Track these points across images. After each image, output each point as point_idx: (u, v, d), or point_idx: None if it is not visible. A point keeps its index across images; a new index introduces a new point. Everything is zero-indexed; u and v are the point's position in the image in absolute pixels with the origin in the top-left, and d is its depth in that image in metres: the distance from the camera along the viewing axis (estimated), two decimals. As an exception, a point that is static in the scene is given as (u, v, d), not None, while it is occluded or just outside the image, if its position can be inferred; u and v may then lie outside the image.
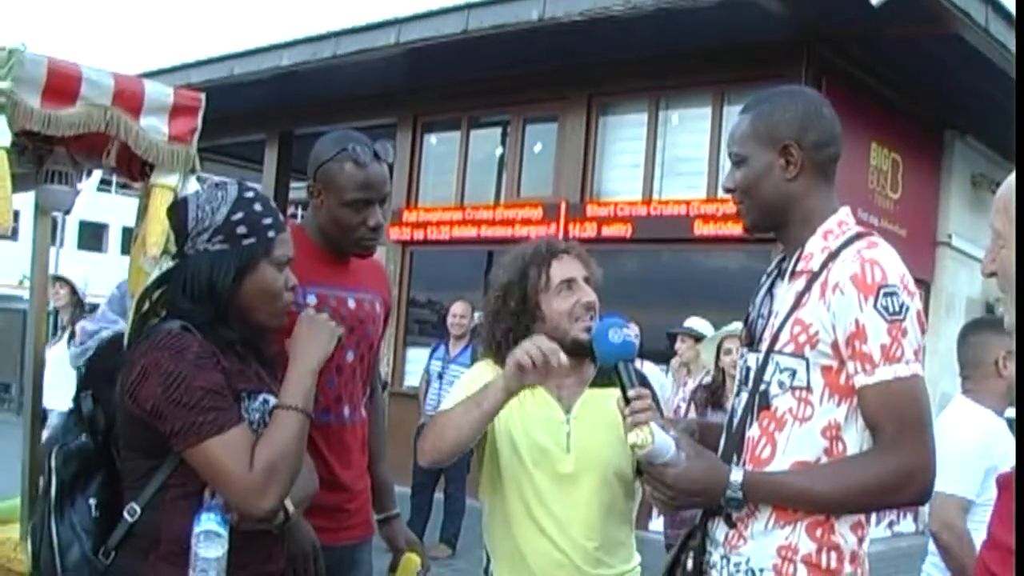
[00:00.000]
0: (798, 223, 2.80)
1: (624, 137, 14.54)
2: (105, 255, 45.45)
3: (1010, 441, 4.23)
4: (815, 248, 2.74)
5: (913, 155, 14.55)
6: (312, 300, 3.33)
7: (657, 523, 9.73)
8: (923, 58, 12.56)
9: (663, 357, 10.23)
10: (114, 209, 41.88)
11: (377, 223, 3.56)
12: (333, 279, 3.53)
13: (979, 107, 14.01)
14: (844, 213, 2.82)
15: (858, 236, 2.73)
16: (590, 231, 14.01)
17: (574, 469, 3.36)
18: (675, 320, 9.87)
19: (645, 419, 2.78)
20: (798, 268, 2.76)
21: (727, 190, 2.91)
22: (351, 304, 3.58)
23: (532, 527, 3.41)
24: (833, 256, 2.69)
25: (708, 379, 9.22)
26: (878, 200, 13.85)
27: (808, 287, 2.69)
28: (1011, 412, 4.72)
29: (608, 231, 13.95)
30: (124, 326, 5.22)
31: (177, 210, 2.94)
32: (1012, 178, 2.31)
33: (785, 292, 2.77)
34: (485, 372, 3.41)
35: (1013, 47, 11.92)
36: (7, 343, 22.26)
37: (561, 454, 3.34)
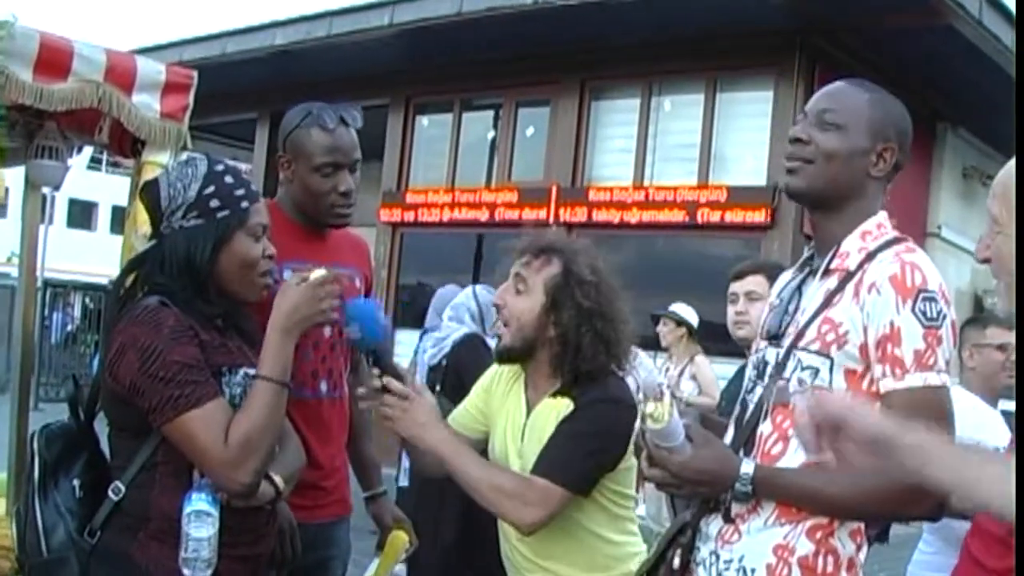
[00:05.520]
0: (843, 218, 2.71)
1: (616, 122, 14.51)
2: (95, 233, 45.34)
3: (990, 426, 4.24)
4: (851, 247, 2.66)
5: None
6: (288, 276, 3.31)
7: (642, 509, 9.74)
8: (916, 49, 12.55)
9: (653, 342, 10.22)
10: (104, 187, 41.75)
11: (348, 188, 3.53)
12: (309, 254, 3.44)
13: (972, 100, 14.02)
14: (883, 217, 2.73)
15: (897, 240, 2.66)
16: (581, 215, 13.99)
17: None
18: (664, 305, 9.87)
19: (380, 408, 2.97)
20: (832, 266, 2.68)
21: (797, 139, 2.72)
22: None
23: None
24: (870, 257, 2.61)
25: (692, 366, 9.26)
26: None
27: (841, 286, 2.61)
28: (1005, 404, 4.73)
29: (599, 216, 13.93)
30: (468, 329, 5.86)
31: (150, 190, 2.92)
32: (1012, 164, 2.28)
33: (815, 290, 2.69)
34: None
35: (1007, 40, 11.92)
36: (-3, 319, 22.23)
37: (515, 459, 3.28)
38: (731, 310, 4.56)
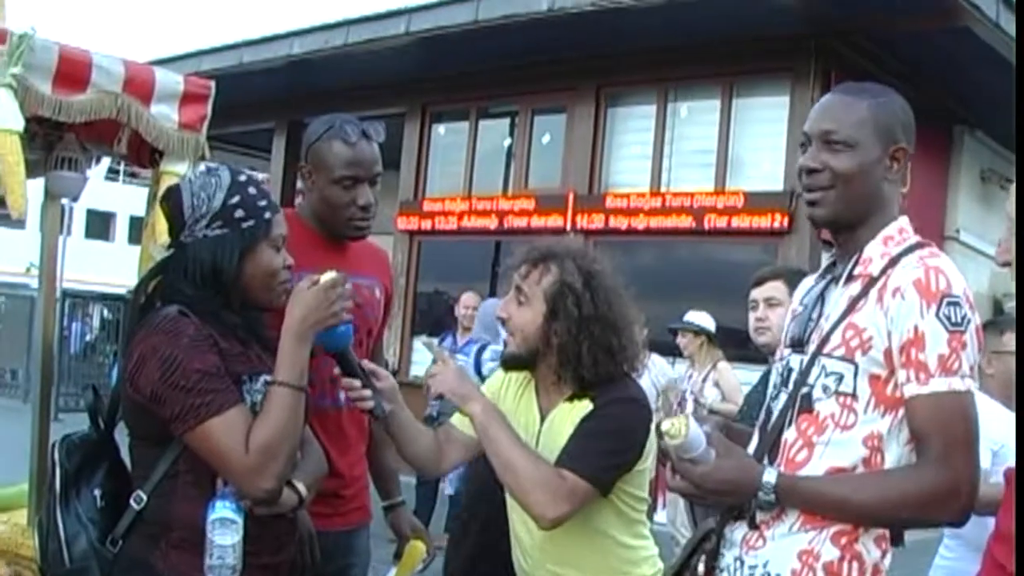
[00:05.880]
0: (867, 226, 2.69)
1: (632, 128, 14.51)
2: (112, 244, 45.51)
3: (1011, 431, 4.22)
4: (874, 253, 2.65)
5: (922, 149, 14.13)
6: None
7: (661, 515, 9.73)
8: (933, 52, 12.51)
9: (670, 349, 10.22)
10: (121, 198, 41.96)
11: (367, 202, 3.55)
12: (328, 264, 3.40)
13: (989, 102, 13.95)
14: (904, 221, 2.72)
15: (919, 245, 2.65)
16: (598, 222, 13.99)
17: None
18: (682, 311, 9.85)
19: (367, 404, 3.07)
20: (855, 272, 2.66)
21: (811, 170, 2.70)
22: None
23: (511, 527, 3.39)
24: (893, 262, 2.59)
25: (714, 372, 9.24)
26: (888, 194, 13.77)
27: (865, 292, 2.60)
28: None
29: (616, 222, 13.92)
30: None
31: (171, 199, 2.92)
32: None
33: (839, 296, 2.68)
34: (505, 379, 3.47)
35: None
36: (15, 329, 22.38)
37: None
38: (751, 316, 4.55)
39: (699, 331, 9.45)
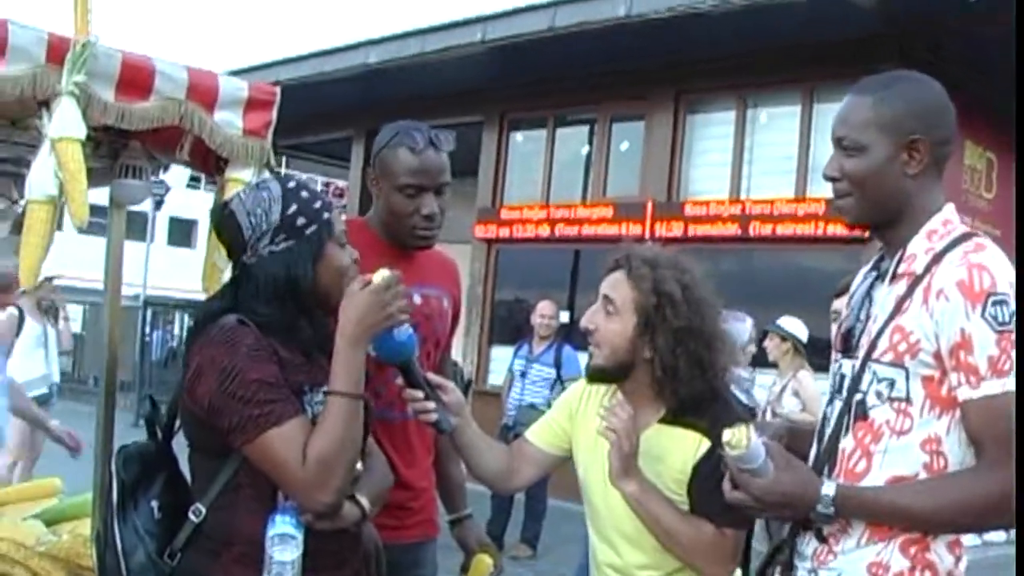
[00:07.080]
0: (905, 222, 2.63)
1: (711, 135, 14.43)
2: (194, 251, 46.26)
3: None
4: (918, 249, 2.59)
5: (1008, 154, 14.22)
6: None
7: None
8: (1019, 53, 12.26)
9: (761, 357, 10.06)
10: (203, 206, 42.54)
11: (431, 212, 3.48)
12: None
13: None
14: (949, 211, 2.65)
15: (964, 237, 2.58)
16: (677, 230, 13.92)
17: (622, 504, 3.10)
18: (762, 320, 9.70)
19: (431, 417, 3.02)
20: (900, 270, 2.61)
21: (830, 178, 2.70)
22: (416, 299, 3.48)
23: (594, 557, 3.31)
24: (938, 258, 2.53)
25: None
26: (972, 200, 13.56)
27: (910, 291, 2.54)
28: None
29: (696, 231, 13.85)
30: None
31: (227, 224, 2.85)
32: None
33: (885, 296, 2.63)
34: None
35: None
36: (98, 337, 22.66)
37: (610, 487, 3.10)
38: (834, 328, 4.46)
39: (786, 336, 9.29)
